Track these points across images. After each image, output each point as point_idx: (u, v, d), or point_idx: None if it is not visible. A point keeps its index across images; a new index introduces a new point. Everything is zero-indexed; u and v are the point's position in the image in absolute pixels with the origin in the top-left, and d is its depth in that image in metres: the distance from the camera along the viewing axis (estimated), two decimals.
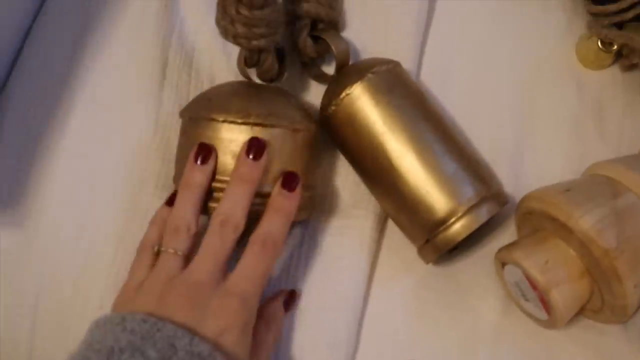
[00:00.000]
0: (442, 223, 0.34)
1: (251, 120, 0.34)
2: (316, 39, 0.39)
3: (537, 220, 0.35)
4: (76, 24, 0.42)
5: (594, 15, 0.42)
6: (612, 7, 0.41)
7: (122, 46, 0.41)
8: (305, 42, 0.39)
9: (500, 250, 0.35)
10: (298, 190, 0.33)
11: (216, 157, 0.33)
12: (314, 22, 0.40)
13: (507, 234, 0.38)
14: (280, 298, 0.35)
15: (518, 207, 0.36)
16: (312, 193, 0.37)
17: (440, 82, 0.41)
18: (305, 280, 0.37)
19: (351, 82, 0.36)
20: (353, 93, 0.35)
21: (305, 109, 0.37)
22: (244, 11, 0.35)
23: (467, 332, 0.37)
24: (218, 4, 0.35)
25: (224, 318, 0.29)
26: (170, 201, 0.34)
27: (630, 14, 0.41)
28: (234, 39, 0.36)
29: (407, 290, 0.38)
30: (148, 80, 0.40)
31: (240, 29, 0.35)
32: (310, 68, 0.41)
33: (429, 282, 0.38)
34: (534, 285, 0.33)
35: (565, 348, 0.36)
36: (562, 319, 0.33)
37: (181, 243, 0.31)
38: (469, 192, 0.34)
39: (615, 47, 0.40)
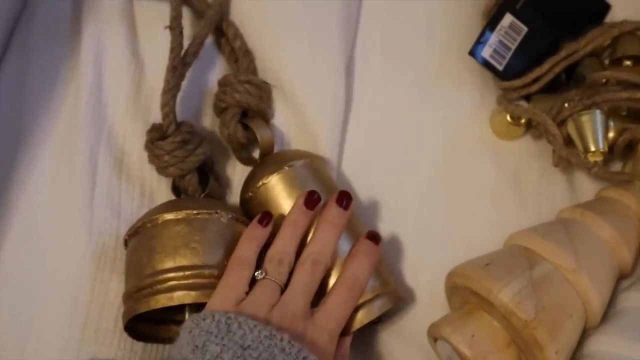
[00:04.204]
0: None
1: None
2: (246, 126, 0.41)
3: (462, 293, 0.36)
4: (7, 139, 0.41)
5: (504, 90, 0.45)
6: (517, 82, 0.44)
7: (53, 157, 0.41)
8: (236, 128, 0.41)
9: (431, 326, 0.36)
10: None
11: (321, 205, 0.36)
12: (245, 111, 0.42)
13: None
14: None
15: (445, 282, 0.38)
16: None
17: (363, 166, 0.43)
18: None
19: (268, 173, 0.37)
20: (269, 183, 0.37)
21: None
22: (150, 144, 0.39)
23: None
24: None
25: (316, 350, 0.31)
26: (262, 220, 0.35)
27: (535, 87, 0.44)
28: (157, 170, 0.39)
29: None
30: (79, 188, 0.40)
31: (156, 160, 0.38)
32: (238, 152, 0.42)
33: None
34: (464, 359, 0.34)
35: None
36: None
37: (283, 275, 0.34)
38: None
39: (524, 120, 0.43)
